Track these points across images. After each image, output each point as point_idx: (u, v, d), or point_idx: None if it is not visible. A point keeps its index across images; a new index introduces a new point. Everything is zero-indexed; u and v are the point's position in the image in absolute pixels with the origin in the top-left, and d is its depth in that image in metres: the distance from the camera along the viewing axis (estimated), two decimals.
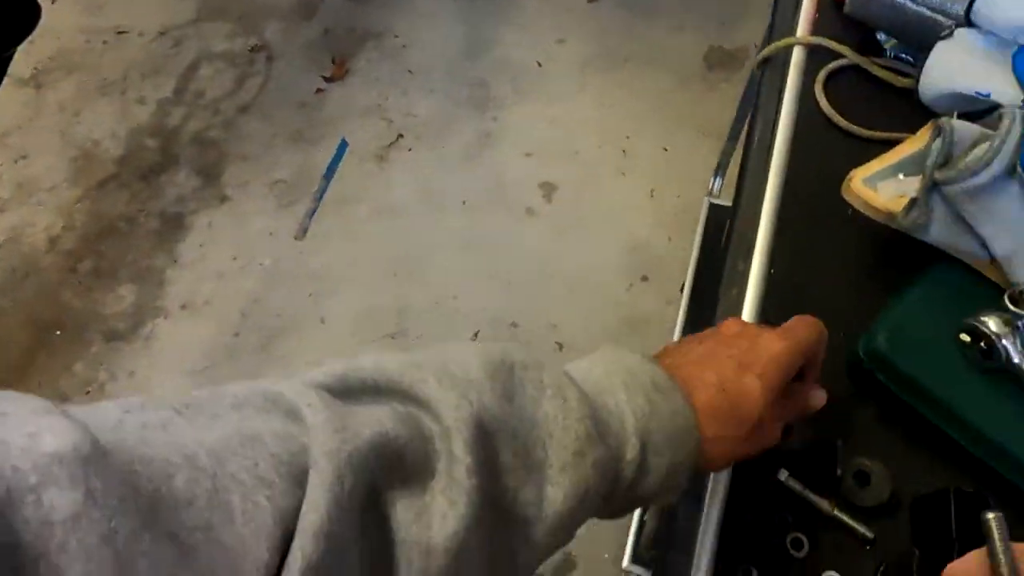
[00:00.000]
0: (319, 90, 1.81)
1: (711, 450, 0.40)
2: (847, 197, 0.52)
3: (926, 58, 0.55)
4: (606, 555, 1.29)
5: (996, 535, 0.34)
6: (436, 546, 0.29)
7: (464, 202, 1.65)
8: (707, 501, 0.49)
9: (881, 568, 0.47)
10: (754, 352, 0.41)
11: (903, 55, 0.64)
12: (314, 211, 1.65)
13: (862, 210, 0.52)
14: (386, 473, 0.29)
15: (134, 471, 0.23)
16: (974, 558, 0.35)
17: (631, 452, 0.36)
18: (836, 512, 0.48)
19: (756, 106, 0.68)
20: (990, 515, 0.35)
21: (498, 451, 0.32)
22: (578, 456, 0.34)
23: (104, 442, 0.22)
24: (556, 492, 0.34)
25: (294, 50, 1.88)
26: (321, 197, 1.67)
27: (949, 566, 0.36)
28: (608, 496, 0.37)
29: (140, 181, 1.70)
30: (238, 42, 1.89)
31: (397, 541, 0.29)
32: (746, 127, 0.68)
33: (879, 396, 0.51)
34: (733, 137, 1.32)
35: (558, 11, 1.92)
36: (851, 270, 0.57)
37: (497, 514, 0.32)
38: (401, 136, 1.74)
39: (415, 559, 0.29)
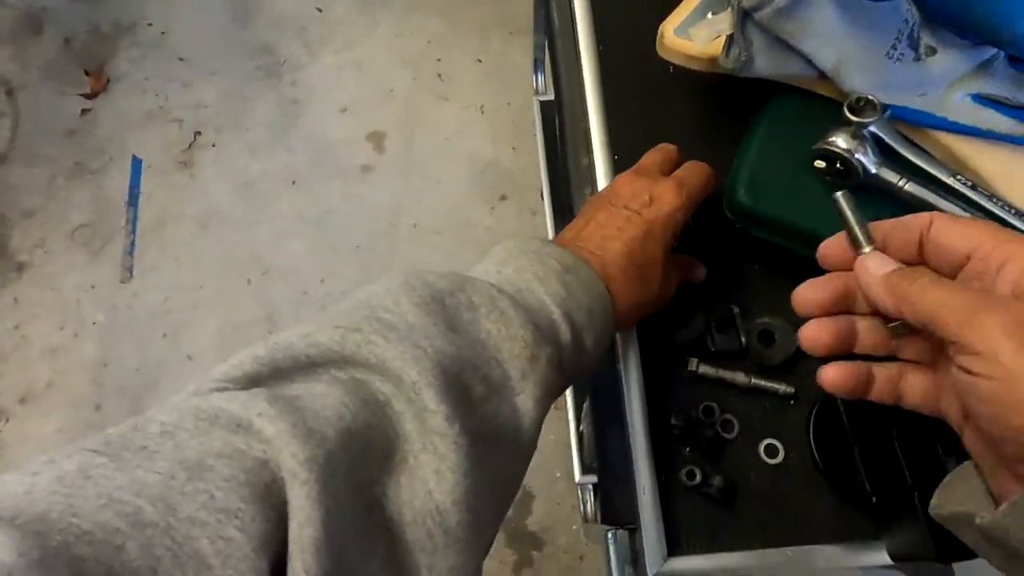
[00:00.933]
0: (84, 111, 1.57)
1: (623, 314, 0.41)
2: (664, 54, 0.48)
3: None
4: (558, 474, 1.30)
5: (847, 210, 0.35)
6: (444, 504, 0.29)
7: (294, 181, 1.51)
8: (629, 421, 0.45)
9: (812, 415, 0.46)
10: (654, 208, 0.42)
11: None
12: (132, 246, 1.46)
13: (683, 64, 0.47)
14: (362, 464, 0.28)
15: (76, 557, 0.20)
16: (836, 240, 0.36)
17: (564, 337, 0.37)
18: (753, 380, 0.46)
19: None
20: (837, 194, 0.35)
21: (468, 387, 0.32)
22: (532, 361, 0.35)
23: (23, 523, 0.20)
24: (526, 400, 0.34)
25: (36, 74, 1.61)
26: (134, 228, 1.48)
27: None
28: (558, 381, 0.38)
29: None
30: None
31: (407, 523, 0.28)
32: (544, 12, 0.62)
33: (758, 251, 0.48)
34: (539, 28, 1.26)
35: None
36: (693, 131, 0.54)
37: (486, 445, 0.32)
38: (199, 133, 1.56)
39: (433, 529, 0.28)
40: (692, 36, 0.45)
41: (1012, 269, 0.29)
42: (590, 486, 1.16)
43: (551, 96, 1.32)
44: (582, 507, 1.16)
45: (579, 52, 0.56)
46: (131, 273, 1.44)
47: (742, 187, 0.46)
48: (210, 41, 1.64)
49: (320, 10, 1.66)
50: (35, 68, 1.61)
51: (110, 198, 1.50)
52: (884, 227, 0.34)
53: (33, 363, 1.38)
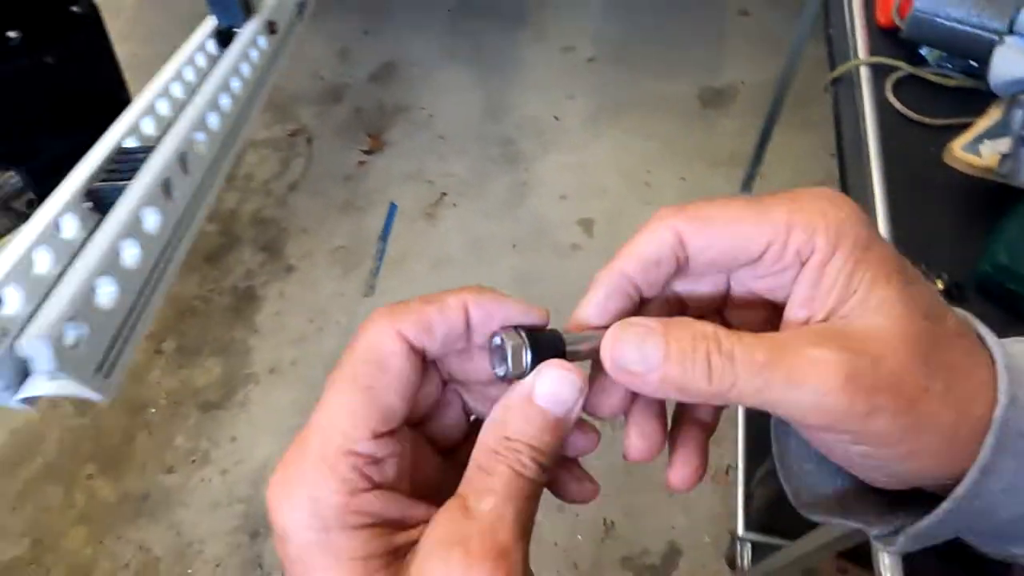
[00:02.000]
0: (361, 163, 1.98)
1: None
2: (950, 162, 0.71)
3: (972, 61, 0.75)
4: (707, 539, 1.42)
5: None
6: None
7: (514, 245, 1.81)
8: None
9: None
10: None
11: (946, 64, 0.85)
12: (378, 270, 1.79)
13: (964, 170, 0.70)
14: None
15: None
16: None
17: None
18: None
19: (839, 117, 0.88)
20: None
21: None
22: None
23: None
24: None
25: (330, 130, 2.05)
26: (382, 257, 1.81)
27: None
28: None
29: (208, 264, 1.82)
30: (277, 129, 2.06)
31: None
32: (835, 137, 0.87)
33: (1008, 303, 0.68)
34: (756, 159, 1.53)
35: (563, 71, 2.16)
36: (951, 218, 0.75)
37: None
38: (444, 194, 1.91)
39: None
40: (980, 152, 0.68)
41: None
42: (749, 543, 1.28)
43: None
44: (739, 560, 1.28)
45: (868, 160, 0.80)
46: (373, 291, 1.76)
47: (1001, 247, 0.66)
48: (466, 128, 2.04)
49: (557, 119, 2.04)
50: (330, 125, 2.06)
51: (367, 231, 1.86)
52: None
53: (284, 345, 1.69)
